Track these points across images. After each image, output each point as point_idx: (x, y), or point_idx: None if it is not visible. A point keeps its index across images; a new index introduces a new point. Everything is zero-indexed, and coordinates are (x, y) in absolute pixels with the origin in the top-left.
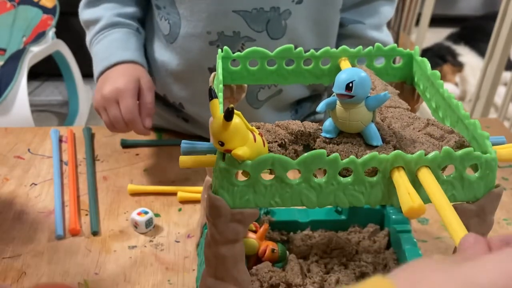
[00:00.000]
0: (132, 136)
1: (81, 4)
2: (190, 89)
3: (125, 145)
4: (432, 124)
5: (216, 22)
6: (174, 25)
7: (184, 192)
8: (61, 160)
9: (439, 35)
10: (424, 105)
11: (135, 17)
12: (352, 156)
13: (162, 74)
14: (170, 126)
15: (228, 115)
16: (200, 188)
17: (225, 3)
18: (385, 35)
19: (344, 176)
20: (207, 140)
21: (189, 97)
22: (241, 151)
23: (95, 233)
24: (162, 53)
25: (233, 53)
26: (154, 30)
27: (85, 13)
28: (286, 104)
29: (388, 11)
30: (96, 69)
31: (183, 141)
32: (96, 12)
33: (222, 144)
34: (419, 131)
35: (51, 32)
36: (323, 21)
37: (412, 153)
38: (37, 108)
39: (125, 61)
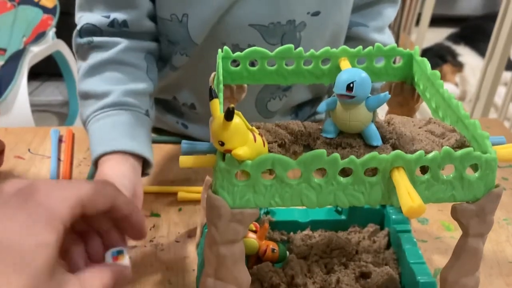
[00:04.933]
0: None
1: (82, 71)
2: (203, 92)
3: None
4: (434, 122)
5: (231, 35)
6: (192, 54)
7: (184, 192)
8: (60, 160)
9: (439, 35)
10: (424, 105)
11: (147, 93)
12: (352, 156)
13: (173, 77)
14: (170, 129)
15: (229, 115)
16: (200, 188)
17: (242, 17)
18: (387, 37)
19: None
20: (207, 141)
21: (202, 99)
22: (241, 151)
23: None
24: (177, 62)
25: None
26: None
27: (87, 83)
28: (289, 108)
29: (391, 14)
30: (96, 149)
31: (183, 141)
32: (101, 85)
33: (222, 144)
34: (419, 128)
35: (51, 32)
36: (336, 29)
37: (411, 152)
38: (37, 108)
39: (129, 152)
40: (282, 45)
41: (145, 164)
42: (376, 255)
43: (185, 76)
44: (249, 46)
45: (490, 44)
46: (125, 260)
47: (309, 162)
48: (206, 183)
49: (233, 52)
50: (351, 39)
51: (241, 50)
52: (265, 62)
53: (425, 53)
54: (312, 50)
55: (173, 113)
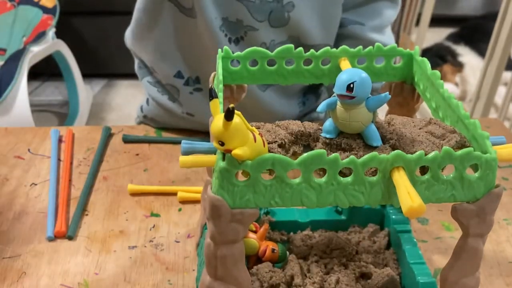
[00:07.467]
0: (133, 132)
1: None
2: (204, 66)
3: (127, 140)
4: (434, 123)
5: (221, 8)
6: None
7: (184, 192)
8: (60, 160)
9: (439, 35)
10: (424, 105)
11: None
12: (352, 156)
13: (178, 44)
14: (166, 118)
15: (229, 115)
16: (200, 188)
17: None
18: (387, 38)
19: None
20: (203, 134)
21: (204, 71)
22: (241, 151)
23: (70, 237)
24: (183, 25)
25: (237, 38)
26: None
27: None
28: (292, 90)
29: (390, 14)
30: None
31: (183, 141)
32: None
33: (222, 144)
34: (420, 128)
35: (51, 32)
36: (326, 15)
37: (411, 153)
38: (37, 108)
39: None
40: (269, 23)
41: None
42: (376, 255)
43: (186, 47)
44: (237, 20)
45: (490, 44)
46: None
47: (309, 162)
48: (206, 183)
49: (224, 25)
50: (347, 37)
51: (231, 23)
52: (265, 62)
53: (425, 53)
54: (312, 50)
55: (171, 92)
